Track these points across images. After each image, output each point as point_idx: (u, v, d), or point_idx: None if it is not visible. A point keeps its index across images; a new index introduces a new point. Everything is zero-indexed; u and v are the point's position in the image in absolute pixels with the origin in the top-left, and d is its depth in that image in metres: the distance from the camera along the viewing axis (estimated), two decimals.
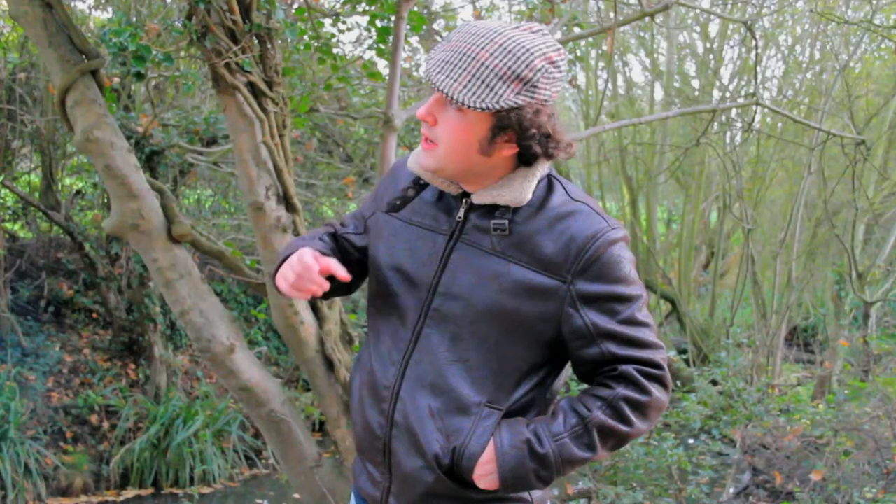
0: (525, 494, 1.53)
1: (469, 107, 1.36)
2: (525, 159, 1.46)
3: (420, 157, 1.49)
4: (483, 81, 1.35)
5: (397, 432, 1.50)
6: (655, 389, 1.45)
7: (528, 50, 1.36)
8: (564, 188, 1.49)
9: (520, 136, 1.40)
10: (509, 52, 1.35)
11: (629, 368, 1.44)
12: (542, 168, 1.48)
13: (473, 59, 1.35)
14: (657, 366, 1.46)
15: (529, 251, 1.44)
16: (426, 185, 1.56)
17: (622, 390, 1.44)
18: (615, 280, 1.44)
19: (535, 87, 1.37)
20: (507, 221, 1.45)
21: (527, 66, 1.36)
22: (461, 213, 1.50)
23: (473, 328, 1.46)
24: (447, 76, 1.36)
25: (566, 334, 1.46)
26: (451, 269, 1.48)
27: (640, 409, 1.45)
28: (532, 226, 1.45)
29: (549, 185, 1.49)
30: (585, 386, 1.53)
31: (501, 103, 1.36)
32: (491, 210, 1.47)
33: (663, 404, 1.48)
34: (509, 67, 1.35)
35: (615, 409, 1.44)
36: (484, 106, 1.35)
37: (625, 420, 1.44)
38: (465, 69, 1.35)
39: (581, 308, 1.43)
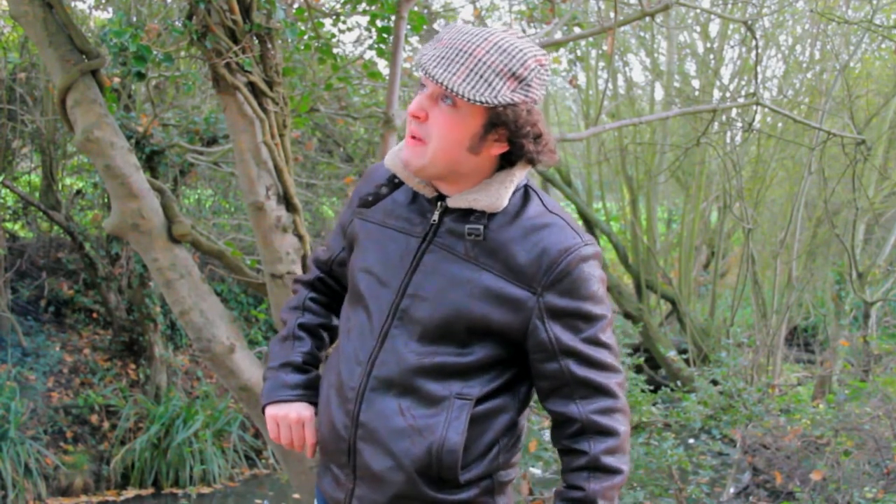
0: (489, 499, 1.51)
1: (468, 99, 1.35)
2: (510, 160, 1.46)
3: (404, 155, 1.47)
4: (481, 76, 1.36)
5: (364, 433, 1.48)
6: (620, 424, 1.45)
7: (521, 50, 1.39)
8: (541, 200, 1.50)
9: (513, 133, 1.41)
10: (504, 50, 1.37)
11: (590, 417, 1.44)
12: (521, 175, 1.48)
13: (470, 55, 1.36)
14: (613, 395, 1.45)
15: (502, 259, 1.44)
16: (400, 184, 1.55)
17: (595, 446, 1.44)
18: (583, 297, 1.43)
19: (529, 86, 1.39)
20: (481, 227, 1.44)
21: (522, 65, 1.38)
22: (435, 217, 1.49)
23: (440, 330, 1.46)
24: (445, 69, 1.36)
25: (530, 346, 1.46)
26: (421, 272, 1.48)
27: (618, 451, 1.45)
28: (506, 234, 1.45)
29: (525, 195, 1.49)
30: (549, 403, 1.50)
31: (499, 98, 1.37)
32: (466, 214, 1.47)
33: (629, 432, 1.48)
34: (505, 64, 1.37)
35: (601, 468, 1.43)
36: (482, 99, 1.36)
37: (613, 471, 1.44)
38: (462, 63, 1.36)
39: (547, 321, 1.43)
